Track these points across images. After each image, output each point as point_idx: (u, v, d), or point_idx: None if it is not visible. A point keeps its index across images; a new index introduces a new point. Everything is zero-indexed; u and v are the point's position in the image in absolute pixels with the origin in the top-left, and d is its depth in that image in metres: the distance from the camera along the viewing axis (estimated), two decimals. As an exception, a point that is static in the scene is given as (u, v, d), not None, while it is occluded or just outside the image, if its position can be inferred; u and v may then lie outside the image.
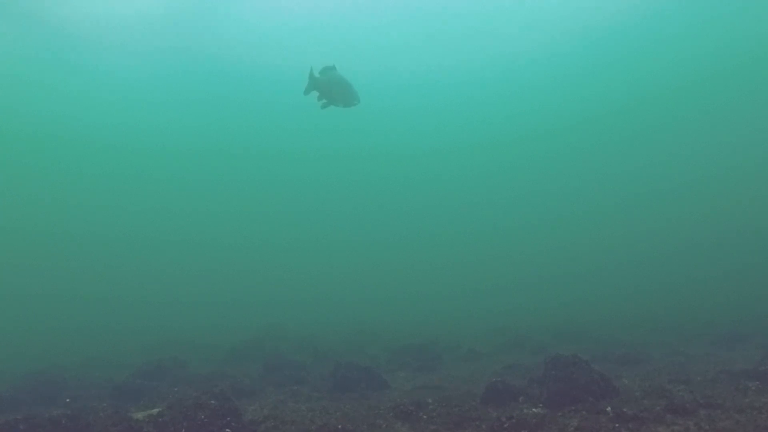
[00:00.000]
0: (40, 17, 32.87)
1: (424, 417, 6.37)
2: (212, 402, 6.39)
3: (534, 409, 6.38)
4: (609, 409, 5.83)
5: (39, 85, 41.98)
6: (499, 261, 43.24)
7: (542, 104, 51.56)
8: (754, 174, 42.15)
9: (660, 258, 37.14)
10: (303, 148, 55.27)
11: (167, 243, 49.18)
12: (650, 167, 48.78)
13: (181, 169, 54.44)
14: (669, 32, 40.99)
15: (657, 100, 48.09)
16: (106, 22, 35.03)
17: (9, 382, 11.62)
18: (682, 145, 47.91)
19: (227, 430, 5.79)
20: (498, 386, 7.08)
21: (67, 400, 8.94)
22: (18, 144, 47.31)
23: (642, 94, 48.27)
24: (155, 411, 6.75)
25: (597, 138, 52.65)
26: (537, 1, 38.04)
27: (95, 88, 44.01)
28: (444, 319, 24.20)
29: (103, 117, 48.59)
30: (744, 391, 6.53)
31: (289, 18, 39.00)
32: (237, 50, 41.80)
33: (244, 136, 54.10)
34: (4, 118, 44.17)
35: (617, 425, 5.30)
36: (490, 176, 55.82)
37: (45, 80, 41.47)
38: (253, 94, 48.90)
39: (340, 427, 5.98)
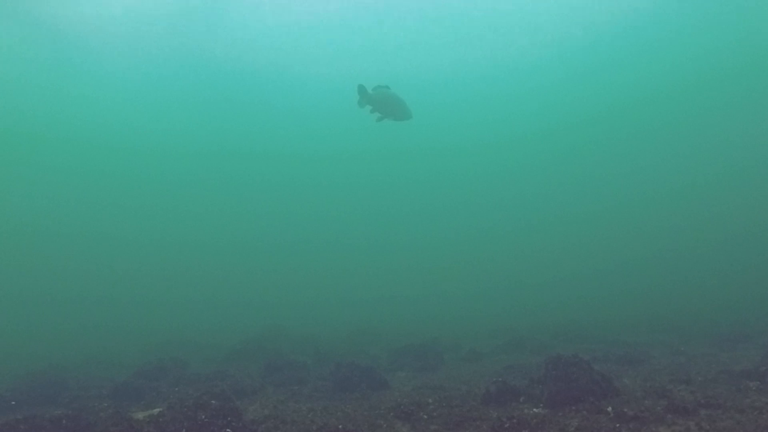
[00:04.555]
0: (41, 18, 32.87)
1: (425, 417, 6.37)
2: (213, 402, 6.39)
3: (535, 409, 6.38)
4: (610, 409, 5.83)
5: (39, 85, 41.98)
6: (499, 261, 43.24)
7: (540, 106, 51.60)
8: (754, 175, 42.17)
9: (661, 258, 37.14)
10: (305, 149, 55.32)
11: (167, 243, 49.20)
12: (651, 168, 48.81)
13: (181, 169, 54.47)
14: (669, 33, 41.03)
15: (658, 101, 48.14)
16: (107, 23, 35.04)
17: (9, 382, 11.62)
18: (683, 145, 47.92)
19: (228, 430, 5.79)
20: (499, 386, 7.07)
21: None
22: (18, 144, 47.32)
23: (643, 95, 48.29)
24: (156, 411, 6.75)
25: (597, 139, 52.67)
26: (539, 3, 38.07)
27: (95, 88, 44.03)
28: (445, 319, 24.21)
29: (104, 117, 48.61)
30: (745, 392, 6.52)
31: (291, 19, 39.02)
32: (238, 51, 41.84)
33: (245, 137, 54.13)
34: (4, 118, 44.18)
35: (618, 425, 5.29)
36: (491, 177, 55.85)
37: (45, 81, 41.47)
38: (254, 94, 48.94)
39: (340, 427, 5.98)
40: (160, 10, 34.84)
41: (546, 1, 38.20)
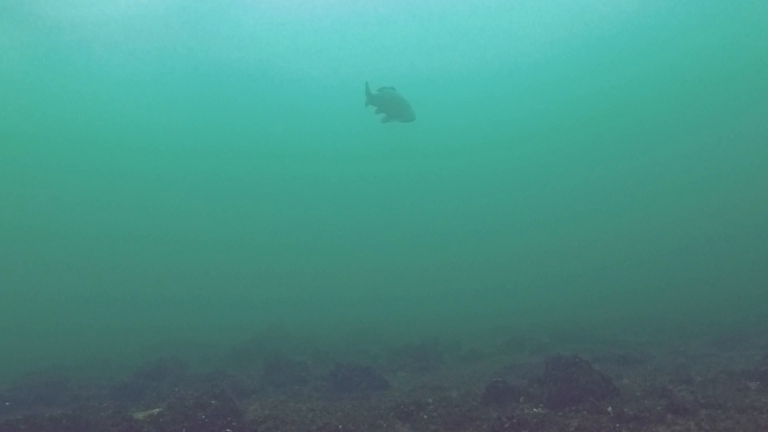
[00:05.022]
0: (40, 18, 32.87)
1: (425, 417, 6.37)
2: (213, 402, 6.39)
3: (535, 409, 6.37)
4: (610, 409, 5.83)
5: (39, 85, 41.97)
6: (499, 261, 43.24)
7: (540, 105, 51.58)
8: (754, 174, 42.18)
9: (660, 258, 37.15)
10: (305, 149, 55.33)
11: (167, 243, 49.21)
12: (651, 167, 48.83)
13: (180, 169, 54.48)
14: (669, 34, 41.03)
15: (658, 100, 48.13)
16: (106, 23, 35.02)
17: (9, 382, 11.62)
18: (682, 145, 47.93)
19: (228, 430, 5.78)
20: (499, 386, 7.07)
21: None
22: (18, 144, 47.32)
23: (643, 95, 48.28)
24: (156, 411, 6.75)
25: (597, 138, 52.67)
26: (539, 3, 38.08)
27: (95, 88, 44.01)
28: (444, 319, 24.20)
29: (103, 117, 48.61)
30: (745, 392, 6.53)
31: (291, 19, 39.00)
32: (237, 51, 41.82)
33: (245, 137, 54.15)
34: (4, 118, 44.18)
35: (618, 425, 5.29)
36: (491, 177, 55.86)
37: (45, 80, 41.46)
38: (254, 94, 48.93)
39: (340, 427, 5.98)
40: (160, 10, 34.85)
41: (547, 1, 38.21)
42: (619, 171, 50.38)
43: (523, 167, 55.27)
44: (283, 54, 43.13)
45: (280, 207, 54.41)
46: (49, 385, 9.89)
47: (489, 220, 51.65)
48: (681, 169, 47.39)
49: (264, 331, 19.66)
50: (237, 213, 53.62)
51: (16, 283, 36.34)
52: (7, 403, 8.64)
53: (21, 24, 33.16)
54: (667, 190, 46.68)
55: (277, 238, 50.68)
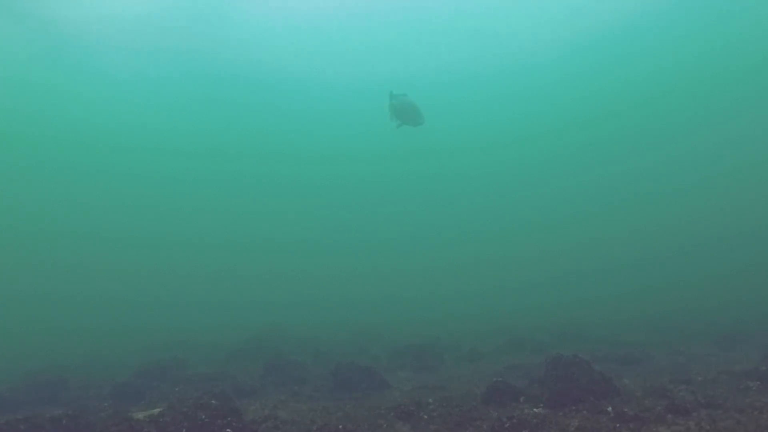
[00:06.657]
0: (41, 17, 32.88)
1: (425, 417, 6.37)
2: (213, 402, 6.39)
3: (535, 409, 6.37)
4: (610, 409, 5.83)
5: (39, 85, 41.99)
6: (500, 261, 43.25)
7: (540, 106, 51.58)
8: (754, 175, 42.18)
9: (660, 258, 37.15)
10: (304, 149, 55.34)
11: (167, 243, 49.22)
12: (651, 168, 48.81)
13: (181, 169, 54.49)
14: (669, 34, 41.03)
15: (659, 101, 48.13)
16: (107, 23, 35.02)
17: (9, 382, 11.62)
18: (683, 146, 47.92)
19: (228, 430, 5.78)
20: (499, 386, 7.07)
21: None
22: (18, 144, 47.33)
23: (644, 95, 48.28)
24: (156, 411, 6.74)
25: (598, 139, 52.66)
26: (541, 4, 38.09)
27: (95, 88, 44.01)
28: (445, 319, 24.20)
29: (103, 117, 48.61)
30: (745, 391, 6.53)
31: (290, 19, 38.99)
32: (237, 51, 41.81)
33: (245, 137, 54.15)
34: (4, 118, 44.18)
35: (618, 425, 5.29)
36: (491, 177, 55.85)
37: (45, 80, 41.47)
38: (254, 94, 48.91)
39: (340, 427, 5.98)
40: (160, 10, 34.83)
41: (548, 1, 38.21)
42: (619, 171, 50.39)
43: (524, 167, 55.29)
44: (284, 54, 43.11)
45: (281, 207, 54.45)
46: (49, 385, 9.89)
47: (490, 220, 51.66)
48: (681, 170, 47.39)
49: (264, 331, 19.68)
50: (238, 213, 53.67)
51: (16, 283, 36.36)
52: None
53: (21, 23, 33.17)
54: (667, 190, 46.69)
55: (278, 238, 50.71)
